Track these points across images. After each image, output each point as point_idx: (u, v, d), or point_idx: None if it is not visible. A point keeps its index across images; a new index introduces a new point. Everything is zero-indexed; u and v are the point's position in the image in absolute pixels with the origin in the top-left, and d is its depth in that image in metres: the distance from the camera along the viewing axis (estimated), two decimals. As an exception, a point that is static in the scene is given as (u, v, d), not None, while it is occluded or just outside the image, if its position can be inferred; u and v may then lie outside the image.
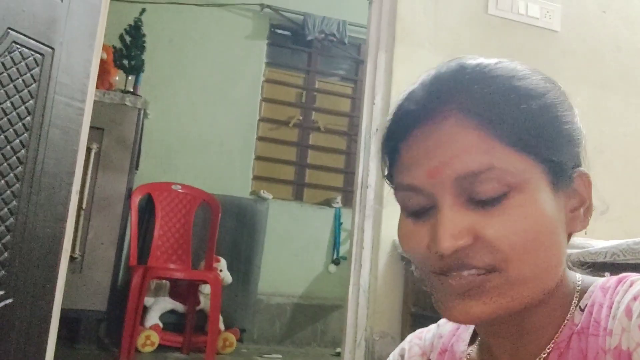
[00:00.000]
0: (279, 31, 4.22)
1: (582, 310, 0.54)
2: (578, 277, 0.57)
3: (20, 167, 1.48)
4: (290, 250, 3.94)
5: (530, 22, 2.14)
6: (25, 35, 1.49)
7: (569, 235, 0.57)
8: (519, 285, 0.50)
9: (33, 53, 1.51)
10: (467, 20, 2.02)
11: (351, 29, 4.20)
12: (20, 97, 1.48)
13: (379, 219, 1.90)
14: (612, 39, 2.20)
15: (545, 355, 0.54)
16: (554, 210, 0.52)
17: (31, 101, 1.50)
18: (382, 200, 1.90)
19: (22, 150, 1.48)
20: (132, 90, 3.36)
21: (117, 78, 3.37)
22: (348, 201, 4.19)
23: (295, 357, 3.52)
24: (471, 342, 0.64)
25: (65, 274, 1.72)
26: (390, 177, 0.59)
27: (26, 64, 1.50)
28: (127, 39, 3.43)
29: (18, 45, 1.47)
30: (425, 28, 1.97)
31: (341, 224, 4.06)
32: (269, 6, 4.07)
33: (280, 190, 4.07)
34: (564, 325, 0.54)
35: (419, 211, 0.53)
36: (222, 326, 3.37)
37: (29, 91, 1.50)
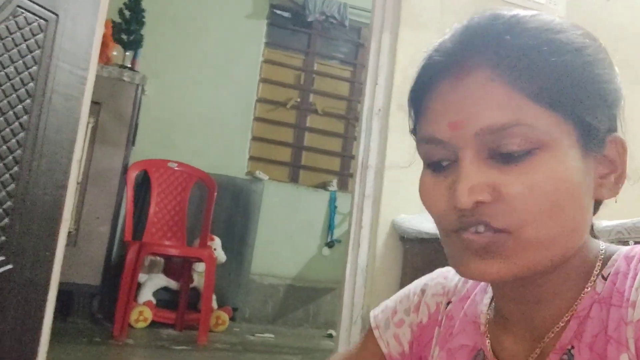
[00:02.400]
0: (279, 12, 4.19)
1: (605, 278, 0.52)
2: (601, 244, 0.56)
3: (22, 133, 1.47)
4: (285, 232, 3.95)
5: (535, 7, 2.14)
6: (30, 0, 1.47)
7: (599, 203, 0.56)
8: (535, 248, 0.49)
9: (37, 19, 1.49)
10: (473, 2, 2.01)
11: (352, 12, 4.18)
12: (24, 62, 1.46)
13: (379, 199, 1.91)
14: (616, 28, 2.20)
15: (564, 323, 0.53)
16: (581, 173, 0.50)
17: (34, 67, 1.49)
18: (382, 180, 1.91)
19: (25, 117, 1.47)
20: (130, 65, 3.33)
21: (115, 53, 3.33)
22: (344, 185, 4.20)
23: (287, 337, 3.55)
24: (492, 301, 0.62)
25: (64, 243, 1.72)
26: (415, 132, 0.58)
27: (30, 30, 1.48)
28: (127, 13, 3.41)
29: (23, 10, 1.46)
30: (431, 10, 1.97)
31: (336, 207, 4.07)
32: (270, -14, 4.04)
33: (276, 172, 4.07)
34: (585, 293, 0.52)
35: (440, 165, 0.52)
36: (215, 304, 3.38)
37: (32, 57, 1.48)
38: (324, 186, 4.12)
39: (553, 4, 2.18)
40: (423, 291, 0.68)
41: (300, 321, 3.91)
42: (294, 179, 4.14)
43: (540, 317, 0.54)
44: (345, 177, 4.23)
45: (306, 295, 3.93)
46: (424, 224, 1.70)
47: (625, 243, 0.93)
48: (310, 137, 4.22)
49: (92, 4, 1.67)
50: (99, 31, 1.71)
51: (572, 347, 0.52)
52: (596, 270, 0.53)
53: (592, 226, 0.56)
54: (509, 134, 0.48)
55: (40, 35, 1.50)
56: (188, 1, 3.87)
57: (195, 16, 3.88)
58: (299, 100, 4.18)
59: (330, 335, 3.66)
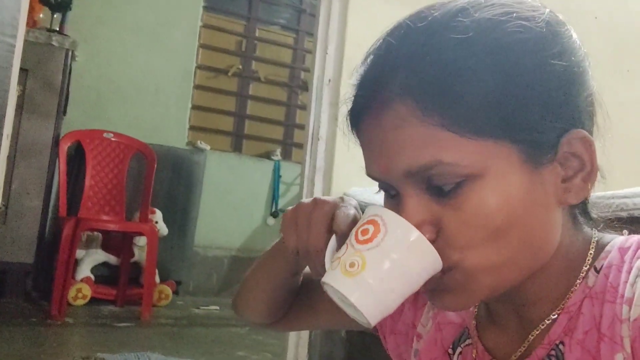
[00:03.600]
0: (218, -26, 4.02)
1: (597, 271, 0.50)
2: (595, 234, 0.53)
3: (-56, 107, 1.34)
4: (228, 203, 3.88)
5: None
6: (-54, -43, 1.32)
7: (584, 202, 0.53)
8: (485, 275, 0.47)
9: (-44, -21, 1.34)
10: (422, -29, 1.98)
11: (294, -24, 4.07)
12: (-57, 28, 1.32)
13: (330, 172, 1.88)
14: (559, 1, 2.23)
15: (555, 317, 0.51)
16: (528, 190, 0.46)
17: (-45, 33, 1.34)
18: (334, 152, 1.88)
19: (-53, 88, 1.33)
20: (58, 29, 3.11)
21: (41, 16, 3.11)
22: (287, 154, 4.15)
23: (232, 309, 3.52)
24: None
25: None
26: None
27: (-52, -9, 1.33)
28: (53, -28, 3.16)
29: (-62, -31, 1.31)
30: (381, -23, 1.92)
31: (280, 176, 4.03)
32: (207, -54, 3.86)
33: (218, 142, 3.96)
34: (576, 287, 0.50)
35: (390, 192, 0.51)
36: (157, 279, 3.29)
37: (-48, 22, 1.34)
38: (267, 156, 4.06)
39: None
40: None
41: (246, 292, 3.88)
42: (237, 148, 4.05)
43: (531, 313, 0.53)
44: (289, 147, 4.18)
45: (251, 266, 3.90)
46: (376, 197, 1.68)
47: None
48: (253, 106, 4.12)
49: (17, -37, 1.52)
50: (27, -6, 1.56)
51: (561, 343, 0.50)
52: (587, 262, 0.51)
53: (588, 216, 0.54)
54: (435, 173, 0.46)
55: (-40, -2, 1.36)
56: (120, -39, 3.64)
57: (128, -23, 3.65)
58: (240, 67, 4.06)
59: (276, 305, 3.66)
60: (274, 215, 4.00)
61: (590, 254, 0.51)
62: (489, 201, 0.45)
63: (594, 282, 0.49)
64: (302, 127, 3.61)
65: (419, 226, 0.46)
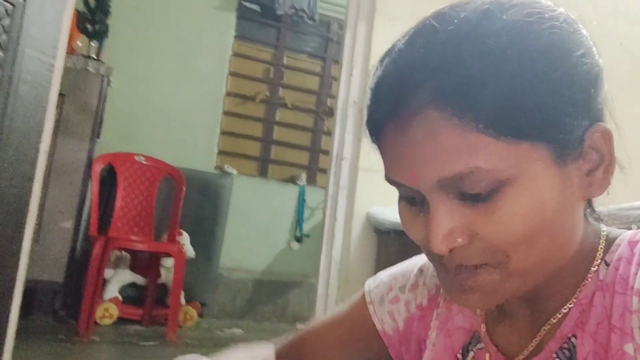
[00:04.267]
0: (248, 4, 4.15)
1: (607, 265, 0.50)
2: (604, 229, 0.54)
3: (-13, 122, 1.41)
4: (253, 226, 3.92)
5: None
6: (-5, -17, 1.41)
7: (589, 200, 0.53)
8: (521, 275, 0.48)
9: (3, 2, 1.43)
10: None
11: (321, 6, 4.17)
12: (-11, 48, 1.40)
13: (353, 191, 1.91)
14: (581, 25, 2.25)
15: (567, 310, 0.51)
16: (559, 189, 0.47)
17: (0, 53, 1.43)
18: (357, 172, 1.91)
19: (-10, 104, 1.41)
20: (95, 56, 3.24)
21: (79, 43, 3.24)
22: (312, 179, 4.19)
23: (255, 332, 3.52)
24: None
25: (30, 237, 1.66)
26: None
27: (-4, 13, 1.42)
28: (92, 2, 3.31)
29: (-13, -7, 1.40)
30: (406, 0, 1.97)
31: (305, 201, 4.06)
32: (238, -22, 3.99)
33: (244, 166, 4.03)
34: (587, 280, 0.51)
35: (412, 198, 0.50)
36: (182, 300, 3.33)
37: (-1, 42, 1.42)
38: (292, 180, 4.11)
39: None
40: (421, 271, 0.68)
41: (269, 315, 3.89)
42: (263, 173, 4.11)
43: (544, 308, 0.53)
44: (314, 171, 4.23)
45: (274, 290, 3.91)
46: (397, 215, 1.69)
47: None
48: (280, 131, 4.19)
49: (60, -11, 1.61)
50: (67, 17, 1.65)
51: (574, 336, 0.50)
52: (599, 256, 0.51)
53: (593, 210, 0.55)
54: (470, 180, 0.44)
55: (7, 20, 1.44)
56: (155, -9, 3.79)
57: (162, 6, 3.80)
58: (268, 94, 4.15)
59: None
60: (298, 239, 4.02)
61: (601, 248, 0.52)
62: (524, 204, 0.45)
63: (605, 275, 0.50)
64: (327, 152, 3.65)
65: (451, 233, 0.46)
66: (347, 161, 1.91)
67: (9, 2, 1.44)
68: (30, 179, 1.57)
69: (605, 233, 0.53)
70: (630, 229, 0.54)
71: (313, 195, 4.06)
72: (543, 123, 0.44)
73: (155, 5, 3.78)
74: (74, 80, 3.01)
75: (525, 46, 0.44)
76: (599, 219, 0.55)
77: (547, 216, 0.46)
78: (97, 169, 3.15)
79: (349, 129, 1.92)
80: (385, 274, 0.72)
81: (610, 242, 0.52)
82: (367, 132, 0.52)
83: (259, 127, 4.15)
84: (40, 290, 3.00)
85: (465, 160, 0.44)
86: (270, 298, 3.91)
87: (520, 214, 0.45)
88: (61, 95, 2.95)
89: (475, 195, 0.45)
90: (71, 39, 3.16)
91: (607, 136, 0.49)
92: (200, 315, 3.52)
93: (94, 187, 3.10)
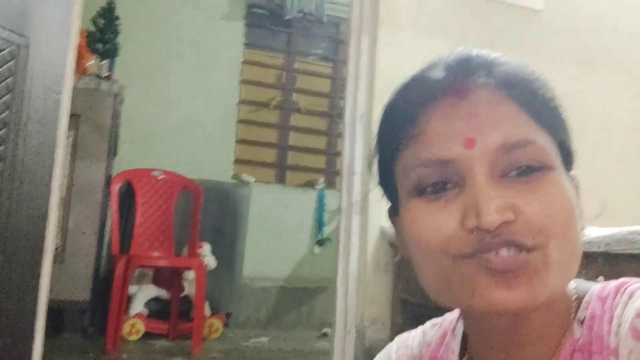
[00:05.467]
0: (257, 10, 4.14)
1: (582, 323, 0.50)
2: (572, 282, 0.53)
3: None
4: (274, 233, 3.93)
5: (513, 2, 2.12)
6: (-3, 25, 1.43)
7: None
8: (557, 265, 0.47)
9: (8, 44, 1.45)
10: (450, 2, 2.00)
11: (329, 7, 4.14)
12: (-4, 91, 1.42)
13: (366, 206, 1.90)
14: (595, 18, 2.20)
15: None
16: (574, 197, 0.50)
17: (8, 95, 1.45)
18: (369, 186, 1.89)
19: (1, 147, 1.43)
20: (107, 75, 3.27)
21: (91, 62, 3.27)
22: (331, 182, 4.18)
23: (281, 340, 3.53)
24: (461, 354, 0.59)
25: (49, 270, 1.69)
26: (385, 167, 0.55)
27: (2, 57, 1.44)
28: (101, 22, 3.34)
29: (-9, 37, 1.42)
30: (409, 11, 1.94)
31: (324, 205, 4.05)
32: (245, -15, 3.99)
33: (262, 173, 4.04)
34: (565, 340, 0.51)
35: (439, 190, 0.49)
36: (207, 312, 3.36)
37: (6, 85, 1.44)
38: (311, 185, 4.10)
39: (531, -4, 2.17)
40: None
41: (294, 323, 3.90)
42: (280, 179, 4.11)
43: None
44: (332, 175, 4.22)
45: (299, 296, 3.92)
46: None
47: (614, 255, 0.92)
48: (295, 136, 4.19)
49: (63, 23, 1.63)
50: (72, 51, 1.67)
51: None
52: (572, 312, 0.52)
53: None
54: (522, 153, 0.47)
55: (12, 62, 1.46)
56: (162, 6, 3.81)
57: (170, 20, 3.82)
58: (281, 99, 4.15)
59: (324, 335, 3.65)
60: (320, 243, 4.02)
61: (574, 304, 0.52)
62: (562, 191, 0.48)
63: (580, 334, 0.50)
64: (343, 156, 3.64)
65: (503, 208, 0.46)
66: (358, 176, 1.90)
67: (12, 44, 1.46)
68: (45, 214, 1.59)
69: (574, 286, 0.53)
70: (597, 281, 0.54)
71: (332, 199, 4.05)
72: (560, 127, 0.51)
73: (164, 20, 3.80)
74: (87, 100, 3.04)
75: (539, 74, 0.53)
76: None
77: (573, 211, 0.48)
78: (116, 187, 3.18)
79: (358, 143, 1.90)
80: None
81: (580, 296, 0.53)
82: (388, 125, 0.54)
83: (274, 134, 4.15)
84: (69, 309, 3.05)
85: (522, 133, 0.48)
86: (295, 305, 3.92)
87: (559, 197, 0.48)
88: (75, 116, 2.99)
89: (523, 173, 0.47)
90: (82, 59, 3.20)
91: (576, 185, 0.53)
92: (226, 325, 3.54)
93: (113, 206, 3.14)
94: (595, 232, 1.02)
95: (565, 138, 0.52)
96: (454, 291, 0.48)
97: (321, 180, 4.11)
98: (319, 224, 4.04)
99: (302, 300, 3.92)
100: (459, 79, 0.49)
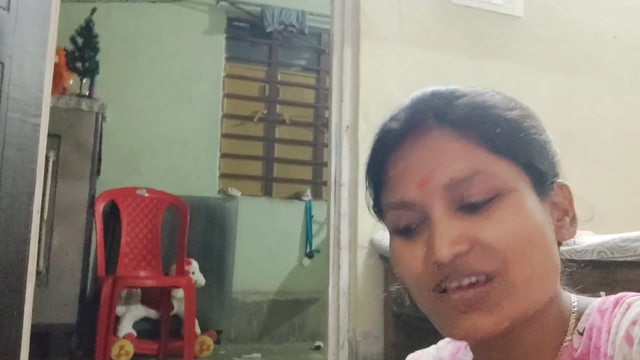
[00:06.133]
0: (237, 24, 4.13)
1: (581, 334, 0.52)
2: (573, 298, 0.56)
3: (-25, 191, 1.39)
4: (263, 247, 3.89)
5: (493, 10, 2.13)
6: (-30, 50, 1.39)
7: (559, 244, 0.57)
8: (521, 288, 0.49)
9: (-19, 68, 1.42)
10: (431, 11, 1.99)
11: (311, 19, 4.14)
12: (-29, 116, 1.39)
13: (355, 218, 1.88)
14: (575, 23, 2.20)
15: None
16: (543, 215, 0.52)
17: (-17, 120, 1.41)
18: (357, 198, 1.87)
19: (-23, 173, 1.40)
20: (87, 93, 3.23)
21: (71, 82, 3.23)
22: (318, 193, 4.16)
23: (274, 354, 3.49)
24: None
25: (32, 296, 1.64)
26: (376, 208, 0.59)
27: (-25, 81, 1.40)
28: (79, 40, 3.30)
29: (-36, 62, 1.38)
30: (390, 21, 1.94)
31: (312, 216, 4.03)
32: (225, -1, 3.97)
33: (248, 187, 4.00)
34: (563, 350, 0.52)
35: (410, 229, 0.53)
36: (198, 330, 3.30)
37: (-21, 110, 1.40)
38: (298, 196, 4.08)
39: (511, 3, 2.17)
40: None
41: (287, 335, 3.86)
42: (267, 192, 4.08)
43: None
44: (319, 186, 4.19)
45: (290, 309, 3.88)
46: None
47: (607, 262, 0.92)
48: (280, 148, 4.16)
49: (39, 45, 1.60)
50: (49, 73, 1.64)
51: None
52: (571, 325, 0.54)
53: (562, 277, 0.57)
54: (473, 184, 0.50)
55: (-14, 86, 1.43)
56: (142, 22, 3.78)
57: (150, 36, 3.79)
58: (265, 112, 4.13)
59: (317, 348, 3.62)
60: (309, 255, 3.99)
61: (573, 316, 0.54)
62: (519, 212, 0.50)
63: (579, 345, 0.52)
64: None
65: (454, 239, 0.49)
66: (346, 188, 1.88)
67: (-14, 68, 1.43)
68: (25, 241, 1.55)
69: (575, 302, 0.56)
70: (599, 296, 0.56)
71: (320, 210, 4.02)
72: (525, 151, 0.53)
73: (144, 36, 3.77)
74: (68, 120, 3.00)
75: (506, 101, 0.56)
76: (569, 289, 0.58)
77: (537, 230, 0.51)
78: (100, 207, 3.13)
79: (344, 155, 1.88)
80: None
81: (580, 310, 0.55)
82: (368, 171, 0.58)
83: (259, 146, 4.13)
84: (55, 333, 2.99)
85: (468, 166, 0.50)
86: (287, 318, 3.88)
87: (516, 220, 0.50)
88: (56, 136, 2.95)
89: (476, 204, 0.50)
90: (62, 79, 3.15)
91: (569, 193, 0.57)
92: (217, 342, 3.49)
93: (97, 226, 3.08)
94: (587, 240, 1.01)
95: (533, 158, 0.53)
96: (434, 320, 0.53)
97: (308, 191, 4.09)
98: (308, 236, 4.02)
99: (293, 312, 3.89)
100: (412, 127, 0.53)
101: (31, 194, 1.55)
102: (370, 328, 1.81)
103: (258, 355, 3.38)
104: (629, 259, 0.91)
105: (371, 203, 0.60)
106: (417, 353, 0.70)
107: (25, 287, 1.56)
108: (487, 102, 0.54)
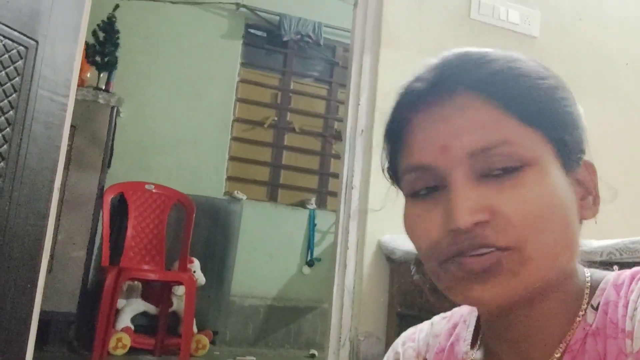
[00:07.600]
0: (254, 31, 4.20)
1: (595, 308, 0.51)
2: (587, 271, 0.55)
3: (2, 163, 1.43)
4: (264, 252, 3.92)
5: (510, 28, 2.19)
6: (8, 26, 1.44)
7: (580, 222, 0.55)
8: (535, 262, 0.48)
9: (17, 45, 1.47)
10: (450, 24, 2.05)
11: (326, 31, 4.21)
12: (4, 90, 1.43)
13: (364, 220, 1.91)
14: (588, 45, 2.26)
15: (559, 355, 0.51)
16: (567, 190, 0.51)
17: (14, 95, 1.45)
18: (367, 200, 1.91)
19: (5, 146, 1.44)
20: (104, 87, 3.29)
21: (89, 75, 3.29)
22: (322, 203, 4.19)
23: (268, 359, 3.50)
24: (472, 342, 0.60)
25: (45, 274, 1.67)
26: (391, 170, 0.58)
27: (9, 57, 1.45)
28: (101, 35, 3.37)
29: (1, 37, 1.43)
30: (410, 32, 1.99)
31: (315, 225, 4.06)
32: (244, 6, 4.04)
33: (254, 191, 4.04)
34: (576, 325, 0.51)
35: (428, 193, 0.52)
36: (194, 328, 3.32)
37: (12, 85, 1.45)
38: (302, 204, 4.11)
39: (527, 23, 2.23)
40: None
41: (282, 342, 3.87)
42: (272, 197, 4.12)
43: (533, 353, 0.53)
44: (323, 195, 4.23)
45: (287, 316, 3.90)
46: (410, 243, 1.69)
47: (617, 264, 0.94)
48: (288, 156, 4.21)
49: (72, 29, 1.65)
50: (78, 57, 1.69)
51: None
52: (585, 299, 0.52)
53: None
54: (498, 153, 0.49)
55: (20, 63, 1.47)
56: (163, 22, 3.85)
57: (170, 36, 3.86)
58: (276, 119, 4.18)
59: (312, 356, 3.63)
60: (310, 264, 4.01)
61: (587, 291, 0.53)
62: (543, 186, 0.49)
63: (594, 320, 0.51)
64: (336, 175, 3.66)
65: (475, 209, 0.47)
66: (357, 190, 1.92)
67: (22, 45, 1.48)
68: (45, 216, 1.59)
69: (589, 276, 0.54)
70: (612, 270, 0.55)
71: (323, 219, 4.06)
72: (553, 122, 0.51)
73: (164, 35, 3.84)
74: (84, 112, 3.05)
75: (538, 68, 0.53)
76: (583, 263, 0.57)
77: (559, 205, 0.49)
78: (108, 199, 3.17)
79: (358, 157, 1.93)
80: None
81: (595, 285, 0.53)
82: (387, 130, 0.56)
83: (267, 152, 4.17)
84: (55, 321, 3.00)
85: (495, 134, 0.49)
86: (283, 324, 3.89)
87: (539, 194, 0.48)
88: (72, 127, 2.98)
89: (499, 173, 0.49)
90: (81, 71, 3.20)
91: (594, 171, 0.55)
92: (213, 343, 3.50)
93: (105, 218, 3.12)
94: (596, 242, 1.04)
95: (562, 131, 0.51)
96: (443, 287, 0.51)
97: (313, 200, 4.13)
98: (310, 244, 4.04)
99: (290, 319, 3.90)
100: (437, 89, 0.51)
101: (54, 171, 1.59)
102: (373, 328, 1.83)
103: (253, 358, 3.39)
104: (638, 260, 0.94)
105: (386, 165, 0.58)
106: (410, 330, 0.69)
107: (40, 262, 1.59)
108: (520, 68, 0.52)
